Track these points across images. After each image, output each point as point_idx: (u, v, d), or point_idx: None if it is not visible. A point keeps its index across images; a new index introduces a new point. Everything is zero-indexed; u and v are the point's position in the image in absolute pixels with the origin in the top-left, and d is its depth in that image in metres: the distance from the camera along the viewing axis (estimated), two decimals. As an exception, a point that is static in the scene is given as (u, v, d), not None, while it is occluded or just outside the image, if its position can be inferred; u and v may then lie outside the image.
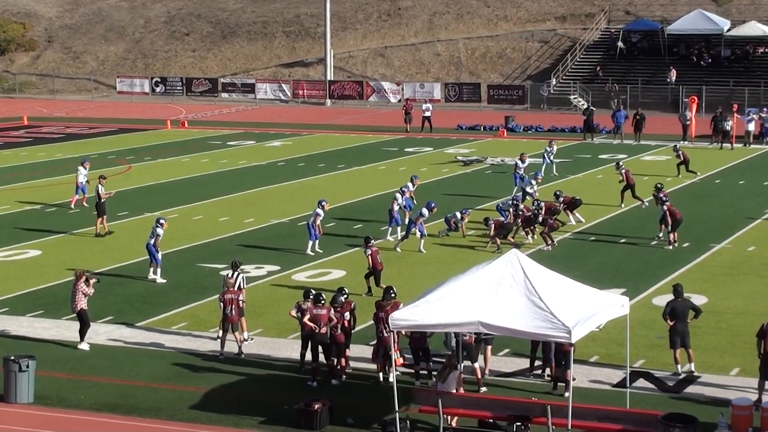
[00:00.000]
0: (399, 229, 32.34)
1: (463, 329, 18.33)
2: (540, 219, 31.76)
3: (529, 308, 17.15)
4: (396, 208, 32.58)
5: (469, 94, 73.33)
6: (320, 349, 20.71)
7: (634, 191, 37.21)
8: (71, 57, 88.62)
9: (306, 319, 20.64)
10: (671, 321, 20.88)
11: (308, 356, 20.82)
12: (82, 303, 22.88)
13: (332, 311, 20.68)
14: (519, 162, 39.52)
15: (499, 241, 30.89)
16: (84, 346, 22.78)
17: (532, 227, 32.15)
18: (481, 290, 17.57)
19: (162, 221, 28.61)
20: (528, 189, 35.71)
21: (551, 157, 44.01)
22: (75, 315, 23.10)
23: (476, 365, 20.10)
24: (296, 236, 33.06)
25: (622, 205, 37.39)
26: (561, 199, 34.00)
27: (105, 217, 33.84)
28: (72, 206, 37.81)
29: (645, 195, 36.77)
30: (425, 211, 31.86)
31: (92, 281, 23.28)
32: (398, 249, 31.15)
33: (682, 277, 27.36)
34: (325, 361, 20.62)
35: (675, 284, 21.59)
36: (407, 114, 60.50)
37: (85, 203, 37.77)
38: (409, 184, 34.75)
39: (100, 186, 34.43)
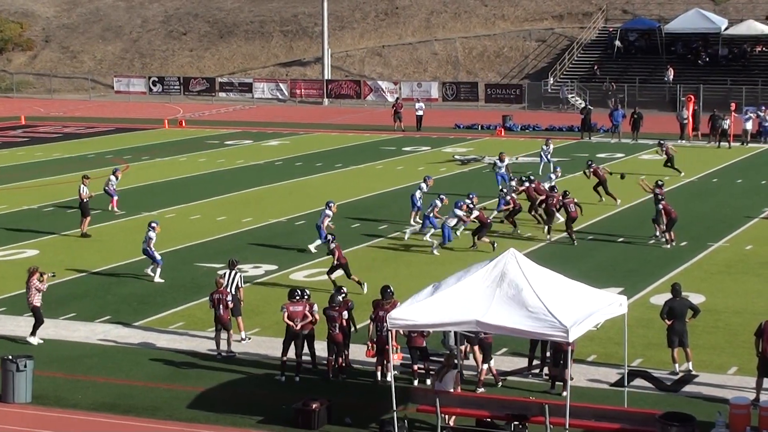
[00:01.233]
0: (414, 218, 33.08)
1: (460, 328, 18.24)
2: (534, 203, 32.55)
3: (527, 307, 17.02)
4: (418, 194, 33.85)
5: (466, 93, 73.33)
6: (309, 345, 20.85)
7: (607, 187, 37.28)
8: (68, 56, 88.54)
9: (285, 317, 20.76)
10: (669, 320, 20.80)
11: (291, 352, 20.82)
12: (36, 300, 22.91)
13: (308, 308, 20.77)
14: (498, 161, 39.92)
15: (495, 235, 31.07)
16: (33, 340, 22.86)
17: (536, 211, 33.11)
18: (478, 289, 17.46)
19: (153, 224, 28.48)
20: (546, 185, 35.74)
21: (549, 156, 44.01)
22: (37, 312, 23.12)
23: (485, 366, 20.09)
24: (294, 235, 33.04)
25: (603, 200, 37.32)
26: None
27: (88, 218, 33.57)
28: (116, 209, 37.09)
29: (638, 194, 36.65)
30: (438, 202, 32.15)
31: (46, 276, 23.29)
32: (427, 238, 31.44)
33: (680, 276, 27.36)
34: (296, 358, 20.68)
35: (673, 283, 21.48)
36: (396, 113, 60.42)
37: (116, 208, 37.22)
38: (423, 185, 34.83)
39: (82, 186, 34.07)
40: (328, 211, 30.69)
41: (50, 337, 23.33)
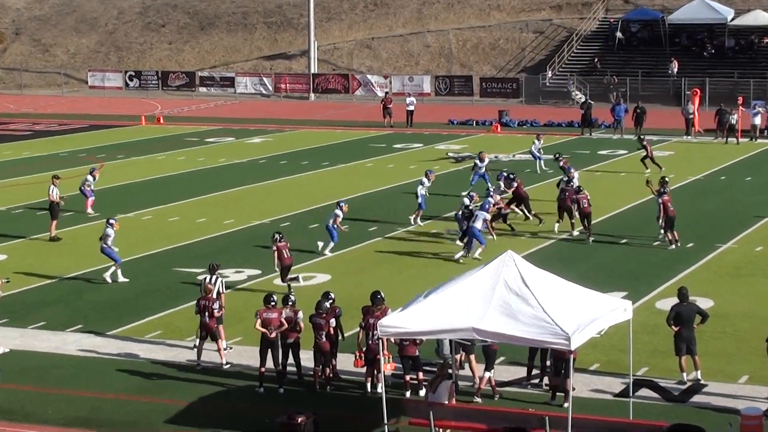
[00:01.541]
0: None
1: (455, 336, 17.98)
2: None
3: (526, 313, 16.72)
4: (422, 190, 33.78)
5: (460, 87, 72.80)
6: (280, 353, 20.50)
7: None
8: (40, 50, 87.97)
9: (257, 324, 20.37)
10: (676, 326, 20.53)
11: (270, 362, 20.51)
12: None
13: (284, 314, 20.38)
14: (478, 161, 39.33)
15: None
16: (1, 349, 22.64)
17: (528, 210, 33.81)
18: (475, 294, 17.15)
19: (112, 221, 28.30)
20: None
21: (540, 152, 43.38)
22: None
23: (487, 374, 19.82)
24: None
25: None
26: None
27: (56, 221, 32.95)
28: (91, 211, 36.36)
29: (640, 194, 36.30)
30: (466, 200, 31.58)
31: (0, 283, 23.08)
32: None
33: (686, 279, 27.15)
34: (274, 367, 20.33)
35: (680, 287, 21.17)
36: (385, 108, 59.97)
37: (90, 209, 36.41)
38: (425, 180, 34.54)
39: (53, 187, 33.47)
40: (338, 211, 30.36)
41: (17, 347, 22.86)
